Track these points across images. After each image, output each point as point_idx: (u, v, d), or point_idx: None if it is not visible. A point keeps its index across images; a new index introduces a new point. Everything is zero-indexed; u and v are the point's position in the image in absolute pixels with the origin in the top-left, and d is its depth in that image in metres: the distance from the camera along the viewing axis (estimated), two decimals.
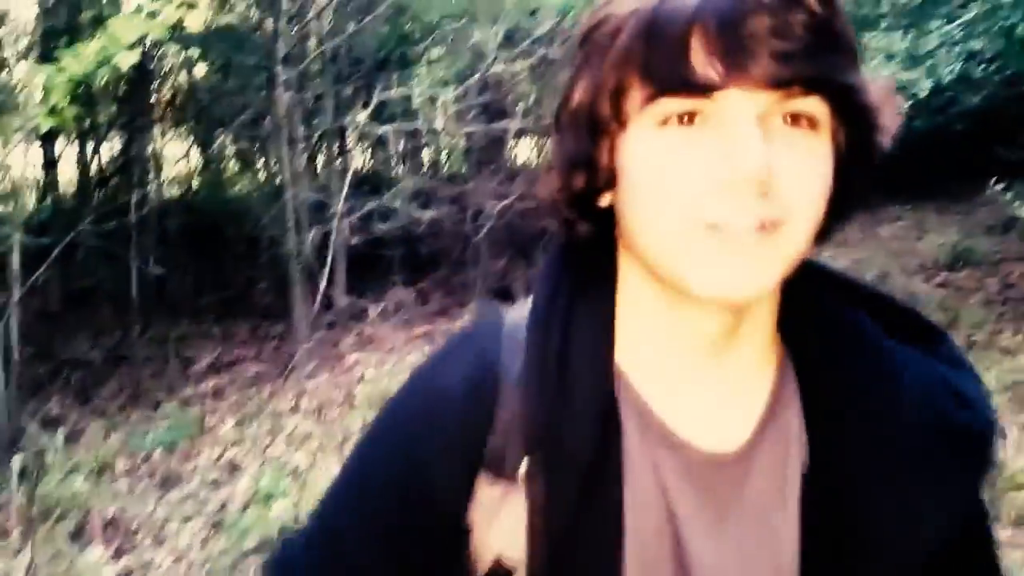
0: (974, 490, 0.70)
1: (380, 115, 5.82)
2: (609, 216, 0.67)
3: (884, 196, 8.16)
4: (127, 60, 3.61)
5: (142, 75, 6.31)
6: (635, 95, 0.61)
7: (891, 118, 0.65)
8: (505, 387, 0.68)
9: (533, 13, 6.94)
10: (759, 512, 0.68)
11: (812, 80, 0.58)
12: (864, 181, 0.66)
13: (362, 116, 5.67)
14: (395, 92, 5.64)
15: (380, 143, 7.22)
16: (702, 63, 0.57)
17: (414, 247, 6.64)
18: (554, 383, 0.66)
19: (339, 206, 5.31)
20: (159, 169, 7.34)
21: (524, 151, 8.70)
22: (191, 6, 3.78)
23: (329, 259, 5.37)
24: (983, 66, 3.95)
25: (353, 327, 5.70)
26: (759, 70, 0.57)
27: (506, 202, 5.58)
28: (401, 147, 7.74)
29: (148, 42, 4.57)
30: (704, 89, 0.58)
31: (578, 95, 0.65)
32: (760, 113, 0.58)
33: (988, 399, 0.71)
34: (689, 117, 0.60)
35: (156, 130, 7.19)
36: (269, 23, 5.58)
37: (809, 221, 0.61)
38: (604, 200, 0.67)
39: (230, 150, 8.28)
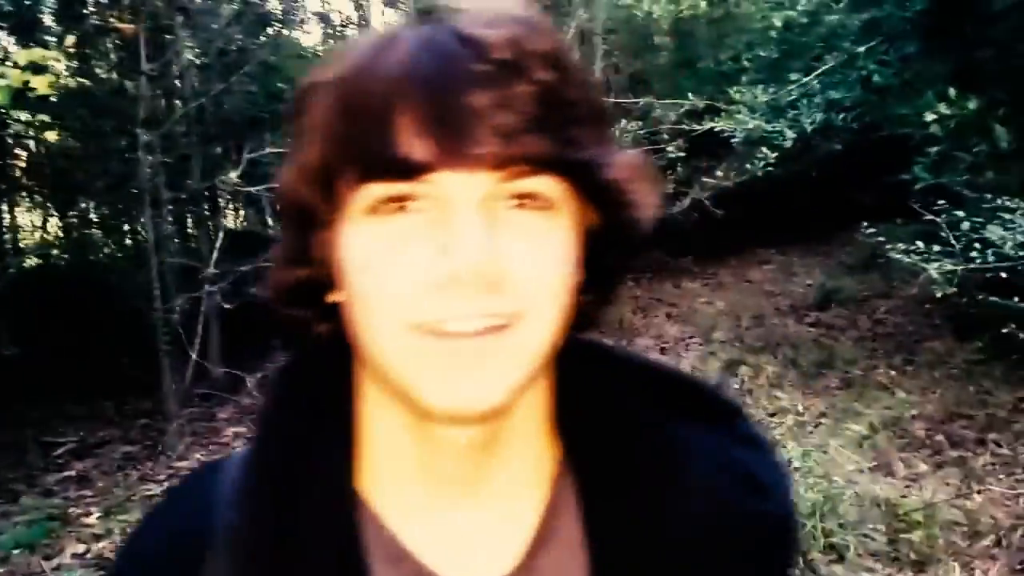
0: None
1: (252, 174, 5.64)
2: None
3: (753, 241, 8.53)
4: None
5: None
6: (345, 177, 0.52)
7: (645, 192, 0.56)
8: (214, 547, 0.58)
9: None
10: None
11: (539, 158, 0.50)
12: (624, 261, 0.60)
13: (232, 175, 5.47)
14: (268, 150, 5.48)
15: (253, 203, 7.00)
16: (410, 142, 0.49)
17: None
18: (273, 534, 0.56)
19: (209, 270, 5.06)
20: (15, 240, 6.86)
21: None
22: (37, 70, 3.54)
23: (200, 326, 5.09)
24: (842, 116, 4.15)
25: (229, 399, 5.41)
26: (477, 149, 0.49)
27: None
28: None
29: None
30: (413, 172, 0.50)
31: (286, 177, 0.56)
32: (482, 196, 0.50)
33: (786, 480, 0.65)
34: (402, 204, 0.52)
35: (7, 200, 6.74)
36: (130, 84, 5.34)
37: (551, 313, 0.53)
38: (333, 297, 0.57)
39: (92, 216, 7.86)
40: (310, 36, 8.73)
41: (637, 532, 0.59)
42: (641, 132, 5.67)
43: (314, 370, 0.61)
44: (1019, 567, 3.01)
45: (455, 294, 0.50)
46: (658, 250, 8.31)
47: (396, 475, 0.59)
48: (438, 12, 0.54)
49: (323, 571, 0.56)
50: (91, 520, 4.20)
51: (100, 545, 3.93)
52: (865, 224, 4.35)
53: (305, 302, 0.58)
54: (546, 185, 0.52)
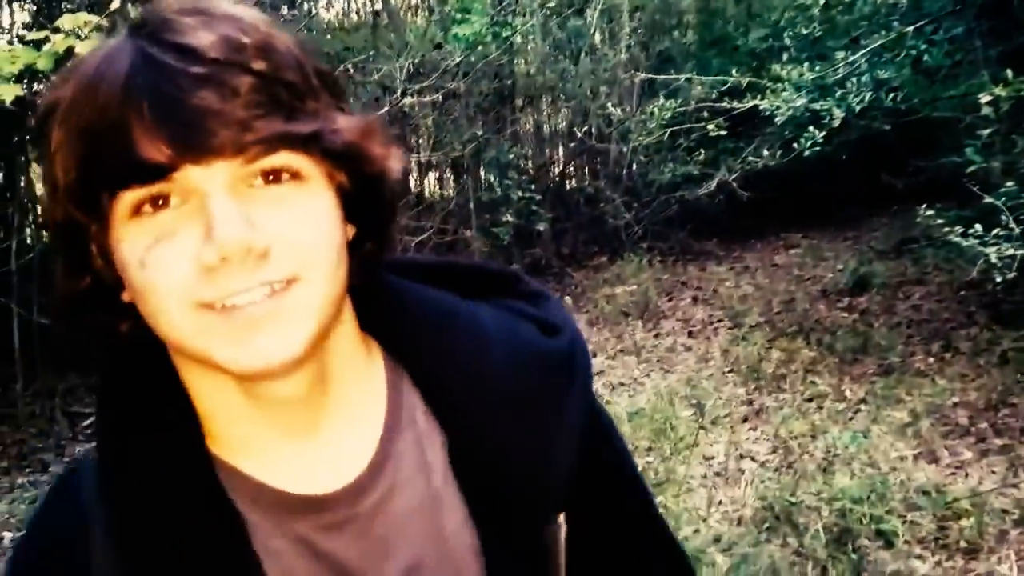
0: (580, 402, 0.74)
1: None
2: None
3: (778, 225, 8.45)
4: (9, 93, 3.28)
5: (23, 109, 5.87)
6: (98, 192, 0.56)
7: (379, 148, 0.63)
8: (94, 547, 0.64)
9: (438, 47, 6.89)
10: (424, 518, 0.69)
11: (268, 139, 0.55)
12: (387, 211, 0.67)
13: None
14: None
15: None
16: (148, 147, 0.54)
17: None
18: (144, 512, 0.63)
19: None
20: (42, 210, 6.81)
21: (430, 184, 8.61)
22: (80, 36, 3.49)
23: None
24: (891, 96, 4.07)
25: None
26: (210, 143, 0.54)
27: (423, 236, 5.44)
28: None
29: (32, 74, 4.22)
30: (159, 174, 0.55)
31: (47, 199, 0.60)
32: (229, 181, 0.56)
33: (568, 319, 0.77)
34: (159, 201, 0.56)
35: (37, 169, 6.70)
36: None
37: (326, 268, 0.59)
38: (125, 296, 0.62)
39: None
40: (330, 11, 8.68)
41: (467, 398, 0.70)
42: (671, 110, 5.59)
43: (134, 362, 0.66)
44: None
45: (227, 272, 0.55)
46: (682, 232, 8.26)
47: (240, 431, 0.66)
48: (150, 22, 0.57)
49: (197, 525, 0.63)
50: None
51: None
52: (911, 207, 4.27)
53: (96, 307, 0.63)
54: (285, 159, 0.57)
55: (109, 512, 0.63)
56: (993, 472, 3.56)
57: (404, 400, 0.72)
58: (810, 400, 4.60)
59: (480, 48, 6.74)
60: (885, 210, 7.90)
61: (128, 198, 0.56)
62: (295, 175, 0.58)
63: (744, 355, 5.34)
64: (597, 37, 8.34)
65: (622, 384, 5.38)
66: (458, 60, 6.59)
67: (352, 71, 6.02)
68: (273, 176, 0.57)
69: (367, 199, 0.64)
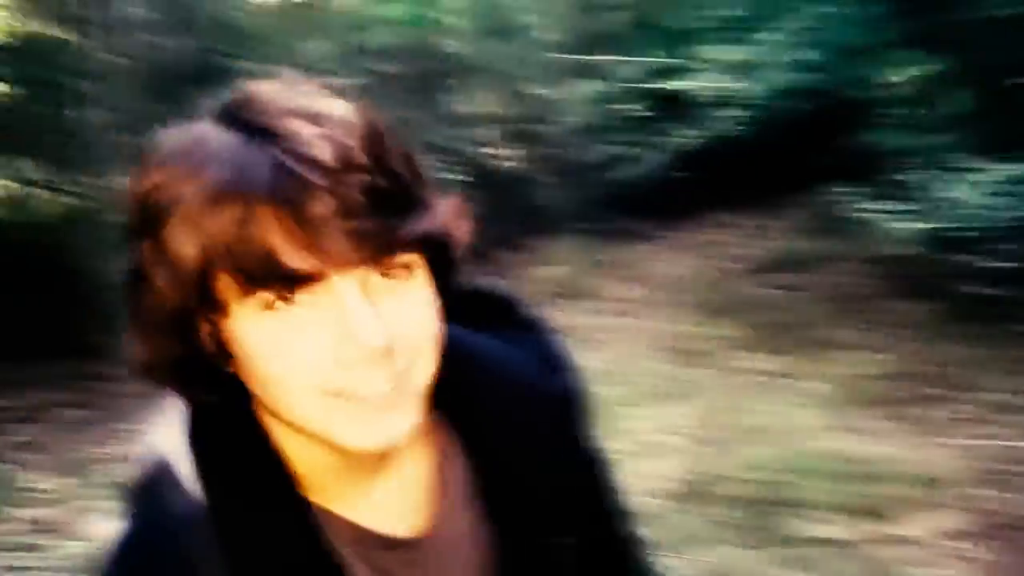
0: (578, 439, 0.85)
1: None
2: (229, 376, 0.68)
3: (709, 204, 8.57)
4: None
5: None
6: (228, 284, 0.61)
7: (464, 226, 0.70)
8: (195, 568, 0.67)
9: (364, 29, 6.79)
10: (465, 544, 0.78)
11: (398, 245, 0.62)
12: (456, 274, 0.74)
13: None
14: None
15: None
16: (291, 255, 0.58)
17: None
18: (249, 549, 0.68)
19: None
20: None
21: None
22: None
23: None
24: (811, 76, 4.15)
25: None
26: (350, 256, 0.59)
27: None
28: None
29: None
30: (302, 282, 0.60)
31: (155, 279, 0.63)
32: (361, 283, 0.61)
33: (566, 353, 0.85)
34: (291, 299, 0.61)
35: None
36: (74, 37, 5.11)
37: (432, 352, 0.67)
38: (229, 369, 0.67)
39: (35, 174, 7.56)
40: None
41: (495, 438, 0.79)
42: (598, 92, 5.62)
43: (221, 421, 0.70)
44: (973, 515, 3.10)
45: (361, 368, 0.61)
46: (614, 212, 8.31)
47: (324, 479, 0.72)
48: (260, 121, 0.61)
49: (304, 565, 0.69)
50: (43, 485, 4.09)
51: (52, 511, 3.83)
52: (814, 187, 4.38)
53: (189, 377, 0.67)
54: (402, 257, 0.63)
55: (223, 558, 0.67)
56: (905, 439, 3.69)
57: (448, 454, 0.79)
58: (735, 375, 4.69)
59: (407, 29, 6.67)
60: (811, 189, 8.07)
61: (264, 296, 0.60)
62: (406, 267, 0.64)
63: (673, 333, 5.43)
64: (528, 17, 8.32)
65: None
66: (385, 41, 6.52)
67: (276, 54, 5.90)
68: (389, 270, 0.63)
69: (448, 272, 0.71)
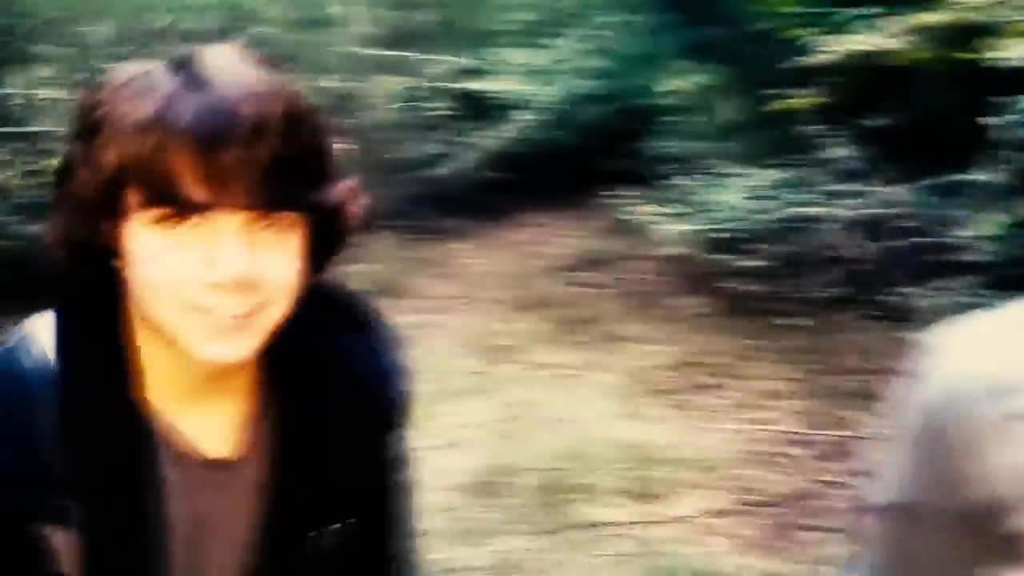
0: (383, 439, 0.97)
1: None
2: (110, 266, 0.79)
3: (518, 204, 8.80)
4: None
5: None
6: (134, 195, 0.72)
7: (356, 207, 0.84)
8: (42, 408, 0.79)
9: (168, 11, 6.43)
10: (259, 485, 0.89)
11: (281, 205, 0.73)
12: (338, 247, 0.86)
13: None
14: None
15: None
16: (191, 185, 0.70)
17: (30, 269, 5.76)
18: (87, 432, 0.79)
19: None
20: None
21: None
22: None
23: None
24: (595, 83, 4.35)
25: None
26: (238, 198, 0.71)
27: None
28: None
29: None
30: (193, 210, 0.71)
31: (80, 175, 0.75)
32: (243, 224, 0.72)
33: (402, 369, 0.97)
34: (179, 220, 0.72)
35: None
36: None
37: (286, 300, 0.78)
38: (115, 263, 0.78)
39: None
40: None
41: (307, 408, 0.89)
42: (405, 89, 5.62)
43: (92, 306, 0.82)
44: (739, 494, 3.38)
45: (219, 292, 0.72)
46: (426, 211, 8.35)
47: (164, 387, 0.83)
48: (201, 74, 0.73)
49: (122, 453, 0.81)
50: None
51: None
52: (608, 190, 4.62)
53: (81, 260, 0.79)
54: (287, 216, 0.75)
55: (58, 432, 0.78)
56: (683, 425, 3.96)
57: (265, 400, 0.89)
58: (535, 369, 4.85)
59: (214, 14, 6.37)
60: (606, 191, 8.47)
61: (157, 212, 0.72)
62: (287, 225, 0.75)
63: (480, 330, 5.53)
64: (337, 8, 8.19)
65: None
66: (190, 26, 6.19)
67: (49, 36, 5.47)
68: (271, 223, 0.74)
69: (330, 245, 0.83)
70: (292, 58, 7.82)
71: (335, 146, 0.80)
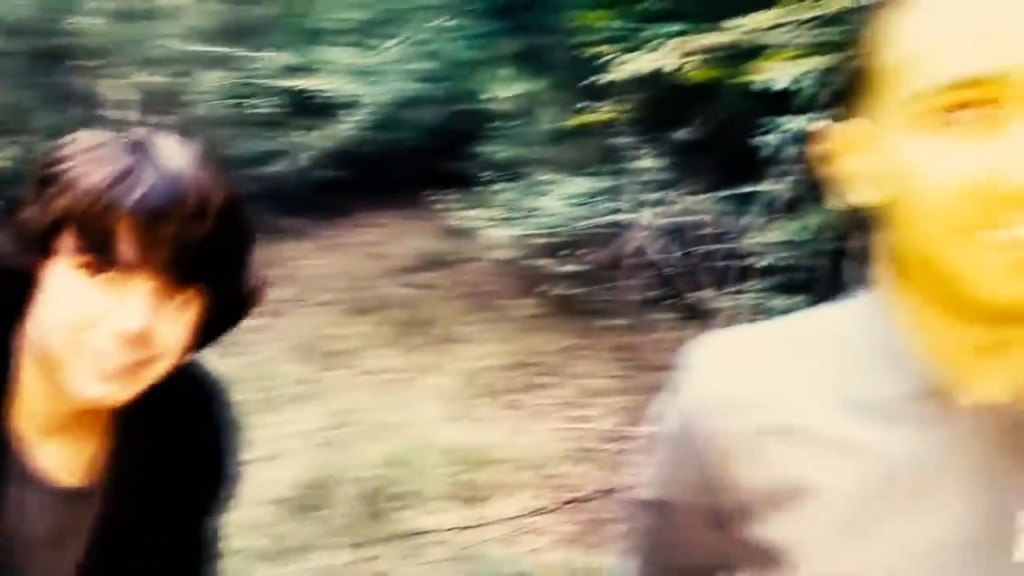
0: (208, 507, 1.09)
1: None
2: None
3: (362, 204, 8.69)
4: None
5: None
6: (67, 241, 0.81)
7: (258, 298, 1.00)
8: None
9: None
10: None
11: (201, 281, 0.85)
12: (228, 328, 1.00)
13: None
14: None
15: None
16: (123, 245, 0.79)
17: None
18: None
19: None
20: None
21: None
22: None
23: None
24: (428, 85, 4.35)
25: None
26: (160, 267, 0.81)
27: None
28: None
29: None
30: (118, 266, 0.80)
31: (28, 211, 0.85)
32: (153, 289, 0.81)
33: (233, 452, 1.13)
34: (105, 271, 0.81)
35: None
36: None
37: (171, 360, 0.87)
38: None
39: None
40: None
41: (145, 454, 0.99)
42: (232, 85, 5.43)
43: None
44: (563, 492, 3.48)
45: (117, 341, 0.83)
46: (264, 210, 8.10)
47: (34, 416, 0.90)
48: (154, 158, 0.83)
49: None
50: None
51: None
52: (441, 193, 4.64)
53: None
54: (194, 292, 0.86)
55: None
56: (509, 425, 4.04)
57: (110, 444, 0.98)
58: (367, 375, 4.80)
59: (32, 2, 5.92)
60: (443, 193, 8.51)
61: (82, 260, 0.81)
62: (192, 298, 0.85)
63: (312, 334, 5.42)
64: (163, 1, 7.80)
65: None
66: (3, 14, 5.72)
67: None
68: (180, 292, 0.84)
69: (223, 325, 0.96)
70: (113, 51, 7.41)
71: (254, 236, 0.91)
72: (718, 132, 3.04)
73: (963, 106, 0.51)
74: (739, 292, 2.98)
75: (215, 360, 3.92)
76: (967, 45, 0.50)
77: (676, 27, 2.93)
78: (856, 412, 0.62)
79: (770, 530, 0.65)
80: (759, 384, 0.66)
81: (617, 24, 3.46)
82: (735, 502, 0.67)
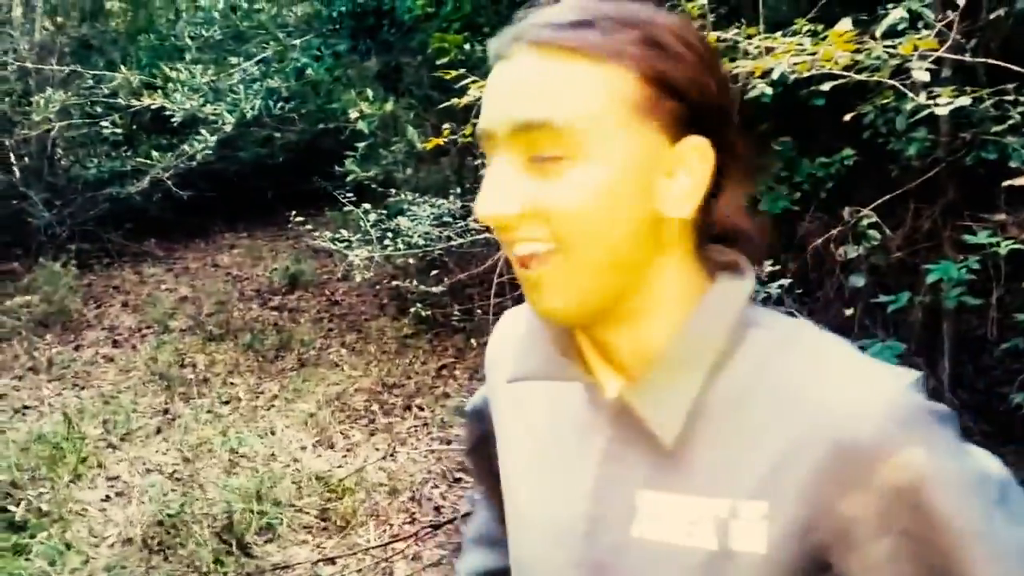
0: None
1: None
2: None
3: (221, 225, 8.40)
4: None
5: None
6: None
7: None
8: None
9: None
10: None
11: None
12: None
13: None
14: None
15: None
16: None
17: None
18: None
19: None
20: None
21: None
22: None
23: None
24: (280, 104, 4.25)
25: None
26: None
27: None
28: None
29: None
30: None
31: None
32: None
33: None
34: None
35: None
36: None
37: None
38: None
39: None
40: None
41: None
42: (82, 103, 5.15)
43: None
44: (429, 516, 3.44)
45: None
46: (116, 233, 7.70)
47: None
48: None
49: None
50: None
51: None
52: (306, 213, 4.54)
53: None
54: None
55: None
56: (377, 449, 3.97)
57: None
58: (226, 403, 4.62)
59: None
60: (308, 213, 8.35)
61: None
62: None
63: (167, 362, 5.17)
64: (16, 12, 7.35)
65: (27, 408, 4.79)
66: None
67: None
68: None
69: None
70: None
71: None
72: None
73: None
74: None
75: (52, 397, 3.70)
76: (482, 107, 0.65)
77: None
78: (528, 385, 0.75)
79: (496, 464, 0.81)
80: (501, 351, 0.83)
81: (469, 48, 3.50)
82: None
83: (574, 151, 0.59)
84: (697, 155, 0.63)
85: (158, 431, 4.34)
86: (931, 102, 1.75)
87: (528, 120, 0.60)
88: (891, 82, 1.84)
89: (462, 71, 2.77)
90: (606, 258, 0.62)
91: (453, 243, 3.85)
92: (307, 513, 3.42)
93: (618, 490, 0.66)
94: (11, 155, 7.94)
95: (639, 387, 0.64)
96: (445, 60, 3.32)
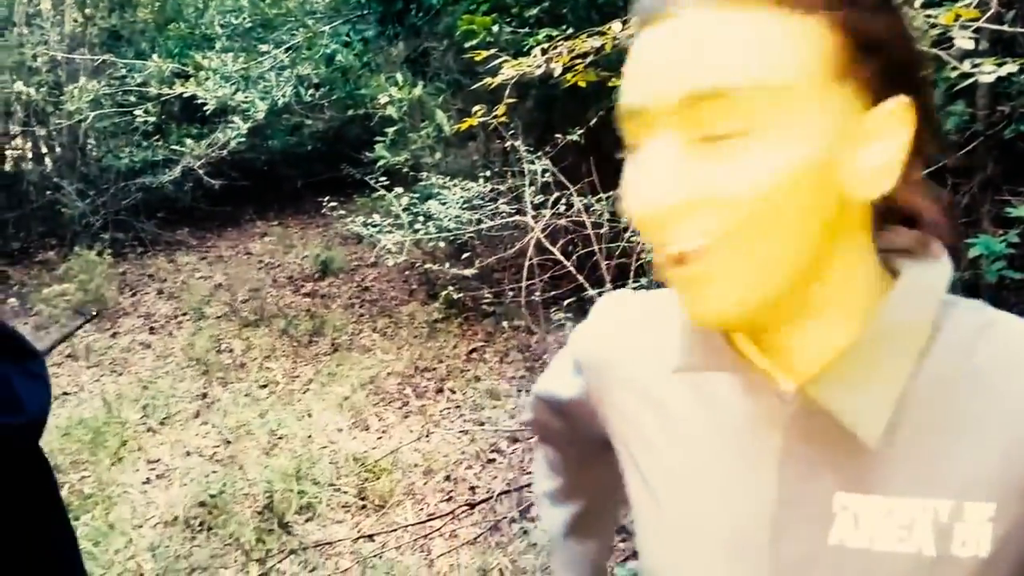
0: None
1: None
2: None
3: (253, 213, 8.48)
4: None
5: None
6: None
7: None
8: None
9: None
10: None
11: None
12: None
13: None
14: None
15: None
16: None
17: None
18: None
19: None
20: None
21: None
22: None
23: None
24: (311, 91, 4.28)
25: None
26: None
27: None
28: None
29: None
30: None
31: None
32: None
33: (39, 394, 1.00)
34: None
35: None
36: None
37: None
38: None
39: None
40: None
41: None
42: (108, 92, 5.21)
43: None
44: (464, 496, 3.47)
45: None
46: (150, 222, 7.81)
47: None
48: None
49: None
50: None
51: None
52: (337, 199, 4.58)
53: None
54: None
55: None
56: (411, 431, 4.01)
57: None
58: (264, 387, 4.69)
59: None
60: (339, 199, 8.41)
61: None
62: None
63: (204, 348, 5.25)
64: (45, 4, 7.46)
65: (66, 394, 4.89)
66: None
67: None
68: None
69: None
70: None
71: None
72: (610, 132, 3.11)
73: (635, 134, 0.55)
74: (637, 288, 3.05)
75: (91, 384, 3.77)
76: (626, 81, 0.55)
77: (557, 32, 2.98)
78: (674, 382, 0.67)
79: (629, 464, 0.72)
80: (621, 345, 0.72)
81: (497, 29, 3.50)
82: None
83: (757, 125, 0.50)
84: (896, 119, 0.53)
85: (197, 415, 4.41)
86: (975, 70, 1.73)
87: (700, 89, 0.50)
88: (934, 51, 1.82)
89: (493, 51, 2.77)
90: (783, 252, 0.52)
91: (483, 226, 3.87)
92: (345, 492, 3.47)
93: (809, 493, 0.59)
94: (44, 146, 8.08)
95: (827, 381, 0.57)
96: (473, 42, 3.33)
